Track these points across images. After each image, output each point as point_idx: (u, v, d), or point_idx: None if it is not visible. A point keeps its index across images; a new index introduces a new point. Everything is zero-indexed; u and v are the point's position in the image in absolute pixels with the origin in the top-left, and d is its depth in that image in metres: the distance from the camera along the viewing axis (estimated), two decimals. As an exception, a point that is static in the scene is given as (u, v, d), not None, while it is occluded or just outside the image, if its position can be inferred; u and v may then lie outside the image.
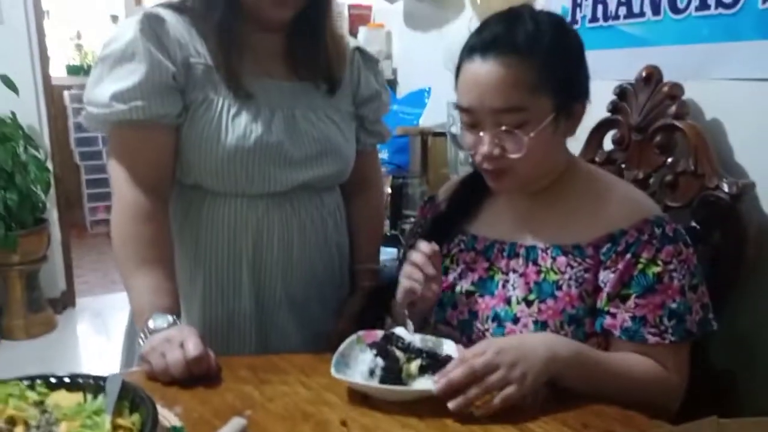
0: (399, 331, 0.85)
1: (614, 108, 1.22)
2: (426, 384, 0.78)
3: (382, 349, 0.80)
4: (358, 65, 1.17)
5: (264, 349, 1.03)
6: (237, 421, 0.68)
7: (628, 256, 0.87)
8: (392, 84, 2.04)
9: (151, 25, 0.96)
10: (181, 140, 1.01)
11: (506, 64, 0.84)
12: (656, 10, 1.20)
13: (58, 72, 5.71)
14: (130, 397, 0.72)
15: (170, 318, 0.89)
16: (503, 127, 0.86)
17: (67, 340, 3.19)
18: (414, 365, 0.79)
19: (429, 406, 0.75)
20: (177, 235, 1.06)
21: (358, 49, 1.19)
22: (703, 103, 1.15)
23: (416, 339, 0.85)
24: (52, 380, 0.76)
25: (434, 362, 0.79)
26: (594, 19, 1.34)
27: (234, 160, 1.00)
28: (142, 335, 0.89)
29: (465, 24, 1.67)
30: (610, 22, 1.30)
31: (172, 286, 0.96)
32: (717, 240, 1.06)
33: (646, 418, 0.76)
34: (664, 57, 1.19)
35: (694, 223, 1.07)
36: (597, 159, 1.25)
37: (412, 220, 1.51)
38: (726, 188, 1.03)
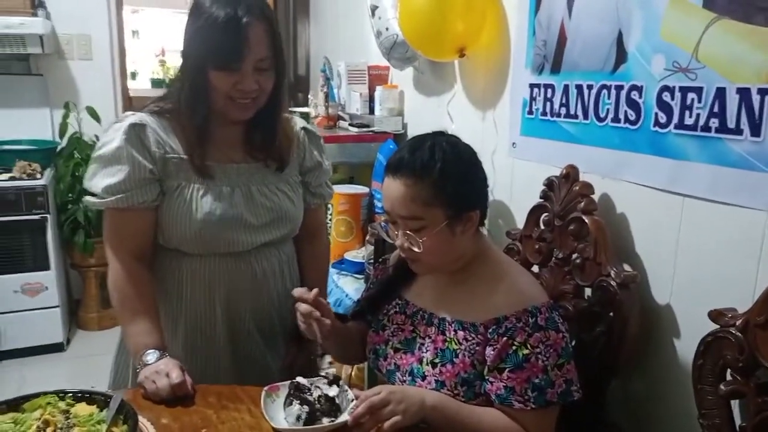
0: (300, 380, 1.13)
1: (544, 195, 1.45)
2: (342, 418, 1.07)
3: (300, 397, 1.09)
4: (304, 141, 1.46)
5: (239, 374, 1.33)
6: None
7: (506, 338, 1.10)
8: (402, 137, 2.32)
9: (136, 132, 1.26)
10: (161, 217, 1.31)
11: (406, 184, 1.11)
12: (585, 115, 1.42)
13: (143, 84, 6.35)
14: (124, 411, 1.05)
15: (158, 353, 1.21)
16: (407, 231, 1.13)
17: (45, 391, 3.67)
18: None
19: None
20: (161, 288, 1.37)
21: (304, 128, 1.48)
22: (615, 198, 1.37)
23: (315, 383, 1.13)
24: (78, 395, 1.10)
25: (330, 405, 1.08)
26: (544, 113, 1.57)
27: (204, 230, 1.30)
28: (138, 367, 1.22)
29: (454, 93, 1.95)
30: (554, 119, 1.53)
31: (158, 328, 1.28)
32: (610, 318, 1.28)
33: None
34: (589, 154, 1.41)
35: (590, 305, 1.30)
36: (533, 235, 1.49)
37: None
38: (614, 276, 1.25)
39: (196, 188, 1.30)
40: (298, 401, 1.08)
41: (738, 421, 1.02)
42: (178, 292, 1.36)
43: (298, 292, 1.21)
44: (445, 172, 1.11)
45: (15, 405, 1.06)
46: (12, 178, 3.06)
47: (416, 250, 1.14)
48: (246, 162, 1.36)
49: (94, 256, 3.43)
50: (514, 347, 1.10)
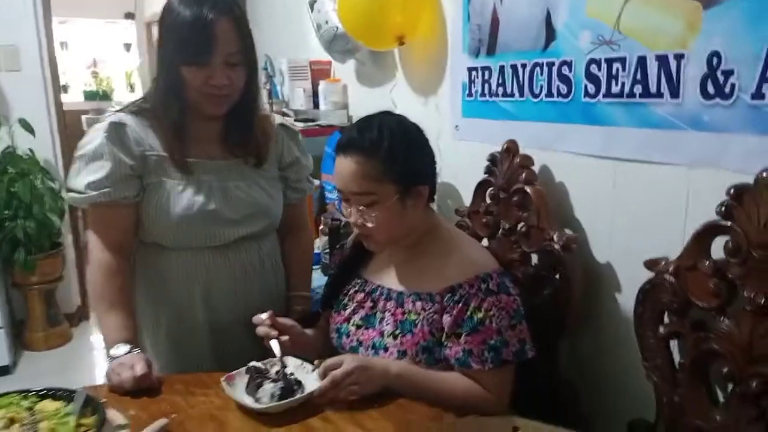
0: (255, 364, 1.18)
1: (489, 171, 1.52)
2: (309, 388, 1.11)
3: (266, 377, 1.12)
4: (282, 138, 1.50)
5: (222, 367, 1.32)
6: (159, 422, 1.01)
7: (461, 304, 1.17)
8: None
9: (116, 131, 1.30)
10: (141, 212, 1.34)
11: (356, 161, 1.16)
12: (521, 92, 1.50)
13: (75, 98, 6.17)
14: (92, 405, 1.05)
15: (128, 347, 1.22)
16: (360, 206, 1.18)
17: (82, 349, 3.55)
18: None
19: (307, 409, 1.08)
20: (142, 281, 1.39)
21: (282, 125, 1.51)
22: (553, 168, 1.45)
23: (274, 364, 1.18)
24: (41, 392, 1.09)
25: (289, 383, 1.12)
26: (483, 94, 1.64)
27: (182, 224, 1.33)
28: (107, 360, 1.22)
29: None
30: (493, 99, 1.60)
31: (131, 323, 1.29)
32: (556, 281, 1.36)
33: (454, 416, 1.06)
34: (527, 129, 1.49)
35: (537, 269, 1.38)
36: (480, 210, 1.56)
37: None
38: (556, 240, 1.33)
39: (174, 184, 1.33)
40: (269, 381, 1.11)
41: (677, 359, 1.11)
42: (159, 286, 1.38)
43: (255, 319, 1.27)
44: (394, 148, 1.16)
45: (-21, 406, 1.05)
46: (-58, 197, 2.93)
47: (369, 225, 1.18)
48: (224, 158, 1.39)
49: (36, 274, 3.32)
50: (468, 312, 1.16)
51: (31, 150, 3.32)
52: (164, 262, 1.38)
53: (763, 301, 0.94)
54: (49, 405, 1.06)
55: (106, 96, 6.32)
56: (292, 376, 1.14)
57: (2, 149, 3.27)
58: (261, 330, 1.26)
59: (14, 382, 3.06)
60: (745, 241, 0.95)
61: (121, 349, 1.22)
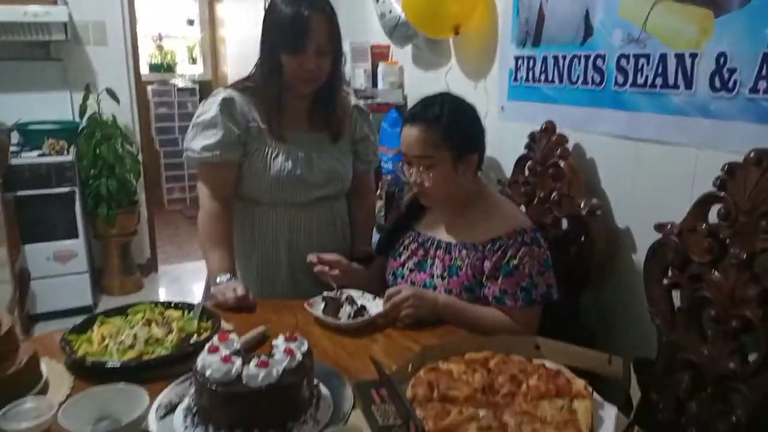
0: (327, 293, 1.46)
1: (528, 147, 1.76)
2: (374, 311, 1.39)
3: (340, 302, 1.41)
4: (356, 117, 1.78)
5: (296, 293, 1.62)
6: (258, 329, 1.30)
7: (500, 252, 1.42)
8: (403, 107, 2.61)
9: (227, 105, 1.60)
10: (242, 172, 1.64)
11: (420, 130, 1.42)
12: (561, 80, 1.73)
13: (142, 70, 6.56)
14: (207, 313, 1.36)
15: (229, 275, 1.53)
16: (421, 168, 1.44)
17: (151, 298, 3.94)
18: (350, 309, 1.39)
19: (372, 328, 1.36)
20: (239, 229, 1.70)
21: (357, 106, 1.79)
22: (585, 146, 1.68)
23: (343, 294, 1.46)
24: (167, 303, 1.41)
25: (360, 307, 1.40)
26: (527, 80, 1.87)
27: (275, 184, 1.63)
28: (213, 285, 1.53)
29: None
30: (536, 84, 1.83)
31: (231, 257, 1.60)
32: (582, 242, 1.60)
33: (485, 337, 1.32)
34: (564, 112, 1.72)
35: (565, 232, 1.63)
36: (519, 180, 1.80)
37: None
38: (583, 206, 1.56)
39: (270, 150, 1.63)
40: (344, 305, 1.40)
41: (677, 307, 1.34)
42: (253, 233, 1.69)
43: (309, 257, 1.57)
44: (451, 121, 1.42)
45: (121, 311, 1.37)
46: (42, 155, 3.32)
47: (426, 184, 1.44)
48: (310, 132, 1.68)
49: (115, 227, 3.72)
50: (506, 259, 1.42)
51: (113, 116, 3.68)
52: (258, 214, 1.68)
53: (745, 257, 1.16)
54: (174, 312, 1.37)
55: (169, 68, 6.69)
56: (359, 302, 1.43)
57: (89, 115, 3.65)
58: (317, 269, 1.56)
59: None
60: (734, 208, 1.18)
61: (224, 277, 1.52)
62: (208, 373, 0.93)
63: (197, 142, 1.60)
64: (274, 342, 1.02)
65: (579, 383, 1.04)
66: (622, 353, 1.55)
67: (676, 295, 1.35)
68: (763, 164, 1.14)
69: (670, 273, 1.34)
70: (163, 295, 4.01)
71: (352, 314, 1.38)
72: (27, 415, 0.94)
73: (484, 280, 1.45)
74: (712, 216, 1.25)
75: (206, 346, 0.99)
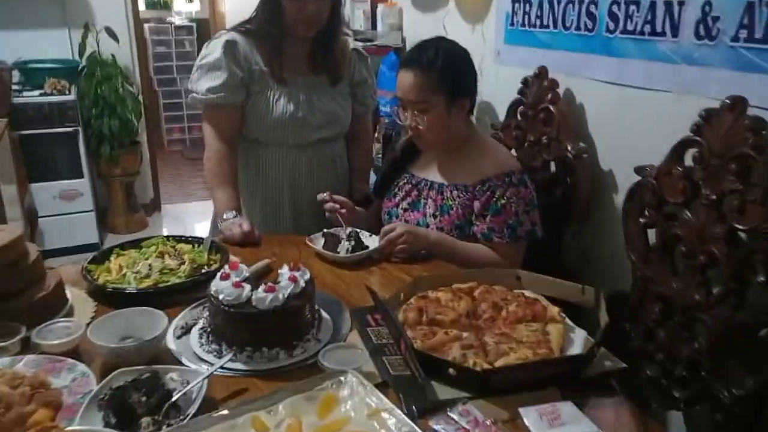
0: (327, 231, 1.56)
1: (520, 91, 1.82)
2: (372, 246, 1.49)
3: (339, 238, 1.51)
4: (354, 60, 1.83)
5: (297, 230, 1.73)
6: (263, 261, 1.41)
7: (489, 192, 1.51)
8: (401, 50, 2.64)
9: (230, 48, 1.65)
10: (246, 114, 1.71)
11: (415, 74, 1.49)
12: (555, 24, 1.77)
13: (139, 7, 6.47)
14: (215, 247, 1.46)
15: (234, 213, 1.63)
16: (415, 111, 1.51)
17: (156, 234, 4.07)
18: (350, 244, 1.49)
19: (368, 262, 1.47)
20: (244, 168, 1.78)
21: (355, 50, 1.84)
22: (576, 91, 1.74)
23: (341, 231, 1.56)
24: (179, 237, 1.51)
25: (357, 242, 1.50)
26: (523, 24, 1.91)
27: (277, 125, 1.70)
28: (220, 221, 1.63)
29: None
30: (531, 29, 1.88)
31: (236, 196, 1.69)
32: (568, 183, 1.69)
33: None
34: (557, 57, 1.78)
35: (553, 174, 1.71)
36: (512, 125, 1.87)
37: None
38: (571, 150, 1.64)
39: (273, 93, 1.69)
40: (343, 240, 1.50)
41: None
42: (256, 172, 1.77)
43: (320, 197, 1.65)
44: (445, 66, 1.48)
45: (135, 244, 1.47)
46: (44, 94, 3.35)
47: (421, 127, 1.52)
48: (310, 74, 1.74)
49: (119, 166, 3.79)
50: (494, 199, 1.51)
51: (113, 56, 3.69)
52: (261, 155, 1.76)
53: (715, 197, 1.25)
54: (185, 246, 1.48)
55: (166, 5, 6.60)
56: (358, 238, 1.53)
57: (88, 54, 3.65)
58: (328, 206, 1.65)
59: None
60: (708, 151, 1.26)
61: (230, 214, 1.62)
62: (221, 296, 1.03)
63: (202, 83, 1.66)
64: (280, 270, 1.12)
65: (553, 309, 1.16)
66: (601, 287, 1.68)
67: (651, 233, 1.45)
68: (736, 110, 1.21)
69: (646, 213, 1.43)
70: (166, 233, 4.12)
71: (350, 249, 1.48)
72: (59, 333, 1.06)
73: (473, 218, 1.54)
74: (687, 159, 1.33)
75: (219, 273, 1.09)
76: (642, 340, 1.44)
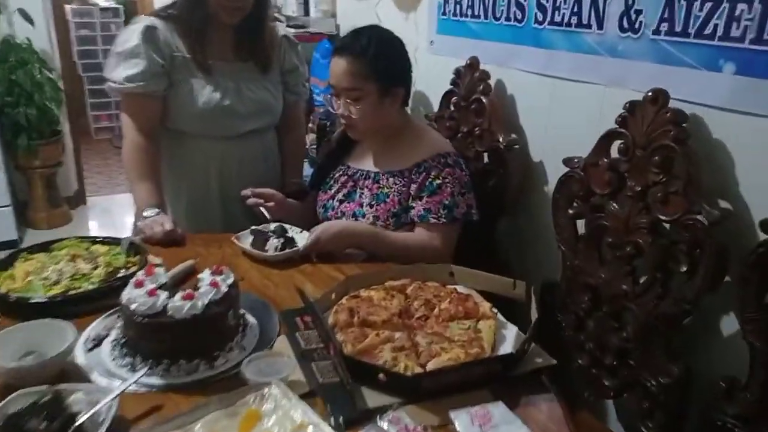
0: (255, 227, 1.50)
1: (453, 83, 1.80)
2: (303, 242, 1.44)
3: (267, 235, 1.45)
4: (285, 47, 1.76)
5: (228, 227, 1.64)
6: (187, 263, 1.34)
7: (424, 174, 1.49)
8: (335, 37, 2.58)
9: (150, 33, 1.55)
10: (169, 103, 1.61)
11: (348, 61, 1.44)
12: (486, 15, 1.76)
13: (59, -14, 6.09)
14: (134, 248, 1.38)
15: (156, 210, 1.54)
16: (348, 100, 1.47)
17: (81, 230, 3.86)
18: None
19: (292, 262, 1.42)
20: (168, 162, 1.68)
21: (285, 36, 1.77)
22: (507, 82, 1.74)
23: (270, 226, 1.50)
24: (93, 239, 1.41)
25: (287, 240, 1.45)
26: (455, 14, 1.89)
27: (202, 116, 1.62)
28: (140, 219, 1.54)
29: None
30: (463, 19, 1.86)
31: (158, 191, 1.60)
32: (500, 173, 1.68)
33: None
34: (488, 48, 1.76)
35: (485, 165, 1.71)
36: (445, 115, 1.85)
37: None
38: (502, 141, 1.64)
39: (197, 81, 1.60)
40: (272, 237, 1.44)
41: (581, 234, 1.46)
42: (182, 167, 1.68)
43: (242, 194, 1.58)
44: (378, 54, 1.45)
45: (44, 247, 1.37)
46: (-51, 82, 3.10)
47: (353, 116, 1.48)
48: (236, 61, 1.65)
49: (38, 158, 3.57)
50: (430, 179, 1.49)
51: (29, 39, 3.45)
52: (187, 147, 1.67)
53: (639, 189, 1.27)
54: (100, 248, 1.39)
55: (89, -15, 6.25)
56: (287, 235, 1.48)
57: (1, 38, 3.40)
58: (250, 201, 1.59)
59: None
60: (632, 143, 1.28)
61: (151, 211, 1.53)
62: (133, 306, 0.97)
63: (119, 72, 1.56)
64: (200, 275, 1.06)
65: (485, 305, 1.15)
66: (533, 277, 1.69)
67: (580, 224, 1.47)
68: (659, 102, 1.23)
69: (575, 204, 1.45)
70: (93, 228, 3.94)
71: (279, 247, 1.43)
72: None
73: (409, 200, 1.51)
74: (615, 151, 1.34)
75: (132, 280, 1.02)
76: (573, 329, 1.46)
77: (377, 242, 1.48)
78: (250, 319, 1.13)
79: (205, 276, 1.05)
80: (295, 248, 1.44)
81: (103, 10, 6.02)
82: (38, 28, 3.49)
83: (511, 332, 1.11)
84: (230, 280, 1.06)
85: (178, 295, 0.98)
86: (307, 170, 2.07)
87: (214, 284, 1.02)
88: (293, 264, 1.41)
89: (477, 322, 1.11)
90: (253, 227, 1.52)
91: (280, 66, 1.76)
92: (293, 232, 1.51)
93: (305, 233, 1.48)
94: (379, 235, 1.49)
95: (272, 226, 1.51)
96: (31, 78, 3.41)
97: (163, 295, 0.98)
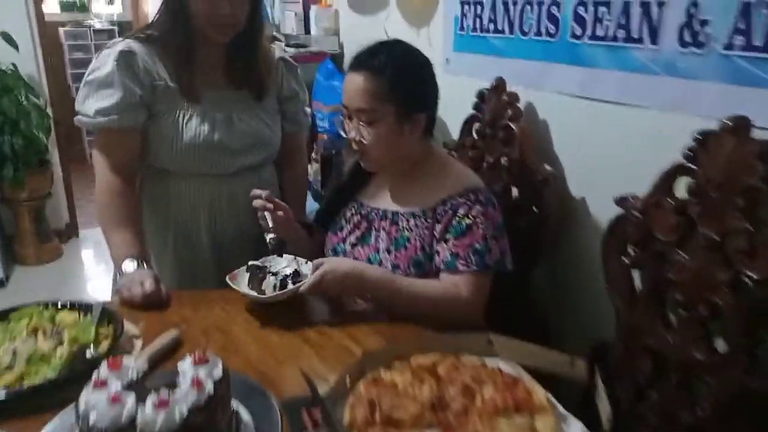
0: (253, 262, 1.28)
1: (476, 107, 1.59)
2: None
3: (266, 273, 1.24)
4: (282, 71, 1.54)
5: (222, 283, 1.42)
6: (170, 332, 1.12)
7: (451, 212, 1.26)
8: (339, 57, 2.37)
9: (125, 59, 1.34)
10: (151, 138, 1.40)
11: (365, 78, 1.23)
12: (511, 29, 1.55)
13: (51, 8, 5.94)
14: (108, 316, 1.15)
15: (136, 262, 1.31)
16: (361, 122, 1.25)
17: (73, 265, 3.66)
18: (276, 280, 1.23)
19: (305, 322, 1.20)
20: (150, 205, 1.47)
21: (282, 59, 1.55)
22: (537, 105, 1.52)
23: (265, 262, 1.29)
24: (59, 305, 1.19)
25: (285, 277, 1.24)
26: (474, 29, 1.68)
27: (188, 152, 1.40)
28: (118, 275, 1.31)
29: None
30: (484, 34, 1.64)
31: (138, 239, 1.37)
32: (533, 212, 1.46)
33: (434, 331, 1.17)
34: (514, 66, 1.55)
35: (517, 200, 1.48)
36: (467, 144, 1.64)
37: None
38: (538, 175, 1.42)
39: (182, 113, 1.39)
40: (270, 275, 1.22)
41: (638, 286, 1.23)
42: (166, 211, 1.46)
43: (253, 193, 1.35)
44: (400, 73, 1.23)
45: (1, 316, 1.14)
46: (-72, 112, 2.91)
47: (365, 141, 1.26)
48: (228, 89, 1.44)
49: (25, 190, 3.37)
50: (458, 218, 1.26)
51: (14, 65, 3.27)
52: (171, 188, 1.46)
53: (715, 237, 1.05)
54: (68, 316, 1.16)
55: (83, 7, 6.09)
56: (290, 268, 1.26)
57: (-16, 64, 3.22)
58: (258, 202, 1.35)
59: (8, 296, 3.18)
60: (706, 182, 1.06)
61: (130, 264, 1.31)
62: (92, 419, 0.74)
63: (90, 104, 1.35)
64: (180, 367, 0.84)
65: (540, 394, 0.91)
66: (575, 333, 1.47)
67: (636, 275, 1.24)
68: (740, 133, 1.01)
69: (630, 251, 1.22)
70: (86, 262, 3.73)
71: (277, 285, 1.21)
72: None
73: (434, 244, 1.29)
74: (679, 189, 1.12)
75: (92, 379, 0.80)
76: (631, 400, 1.23)
77: (393, 291, 1.24)
78: (245, 415, 0.90)
79: (186, 368, 0.83)
80: (294, 286, 1.22)
81: (98, 32, 5.86)
82: (24, 53, 3.30)
83: (574, 429, 0.88)
84: (218, 373, 0.83)
85: (150, 402, 0.75)
86: (311, 205, 1.85)
87: (197, 383, 0.79)
88: (297, 330, 1.18)
89: (533, 418, 0.88)
90: (251, 262, 1.29)
91: (278, 92, 1.54)
92: (298, 263, 1.30)
93: (306, 263, 1.27)
94: (396, 282, 1.26)
95: (268, 234, 1.32)
96: (17, 105, 3.21)
97: (130, 401, 0.76)
